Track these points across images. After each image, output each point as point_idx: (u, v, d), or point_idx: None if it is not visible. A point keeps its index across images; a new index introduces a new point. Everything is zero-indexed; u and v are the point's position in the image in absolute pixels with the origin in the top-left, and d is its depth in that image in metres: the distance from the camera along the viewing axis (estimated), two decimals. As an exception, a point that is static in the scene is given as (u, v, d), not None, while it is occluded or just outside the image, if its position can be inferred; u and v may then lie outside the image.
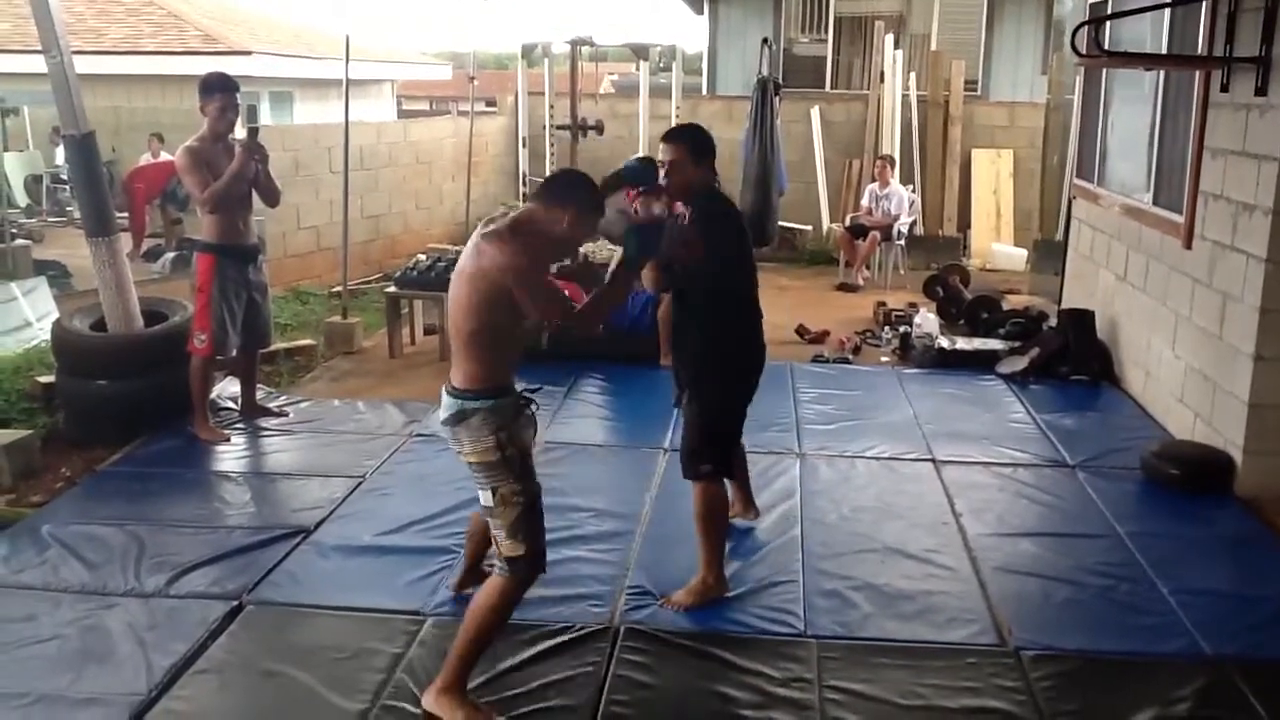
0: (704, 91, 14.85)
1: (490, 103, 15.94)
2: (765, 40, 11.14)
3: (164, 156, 11.53)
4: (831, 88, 14.22)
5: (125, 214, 11.47)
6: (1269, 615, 3.93)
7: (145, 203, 11.31)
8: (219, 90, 5.47)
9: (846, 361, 7.50)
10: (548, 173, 10.37)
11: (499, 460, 3.16)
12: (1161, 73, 6.26)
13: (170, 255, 10.30)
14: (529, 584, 3.29)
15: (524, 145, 10.97)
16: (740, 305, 4.00)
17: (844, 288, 10.11)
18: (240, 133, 5.72)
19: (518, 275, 3.10)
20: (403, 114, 19.95)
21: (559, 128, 10.46)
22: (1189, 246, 5.70)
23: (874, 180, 10.88)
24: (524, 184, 10.88)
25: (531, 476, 3.26)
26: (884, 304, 8.73)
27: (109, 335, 5.85)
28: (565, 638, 3.67)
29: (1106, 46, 6.04)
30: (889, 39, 12.49)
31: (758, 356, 4.08)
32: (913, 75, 12.57)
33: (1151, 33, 6.51)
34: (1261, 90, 4.92)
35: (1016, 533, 4.64)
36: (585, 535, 4.50)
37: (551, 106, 10.43)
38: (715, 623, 3.81)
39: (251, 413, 6.01)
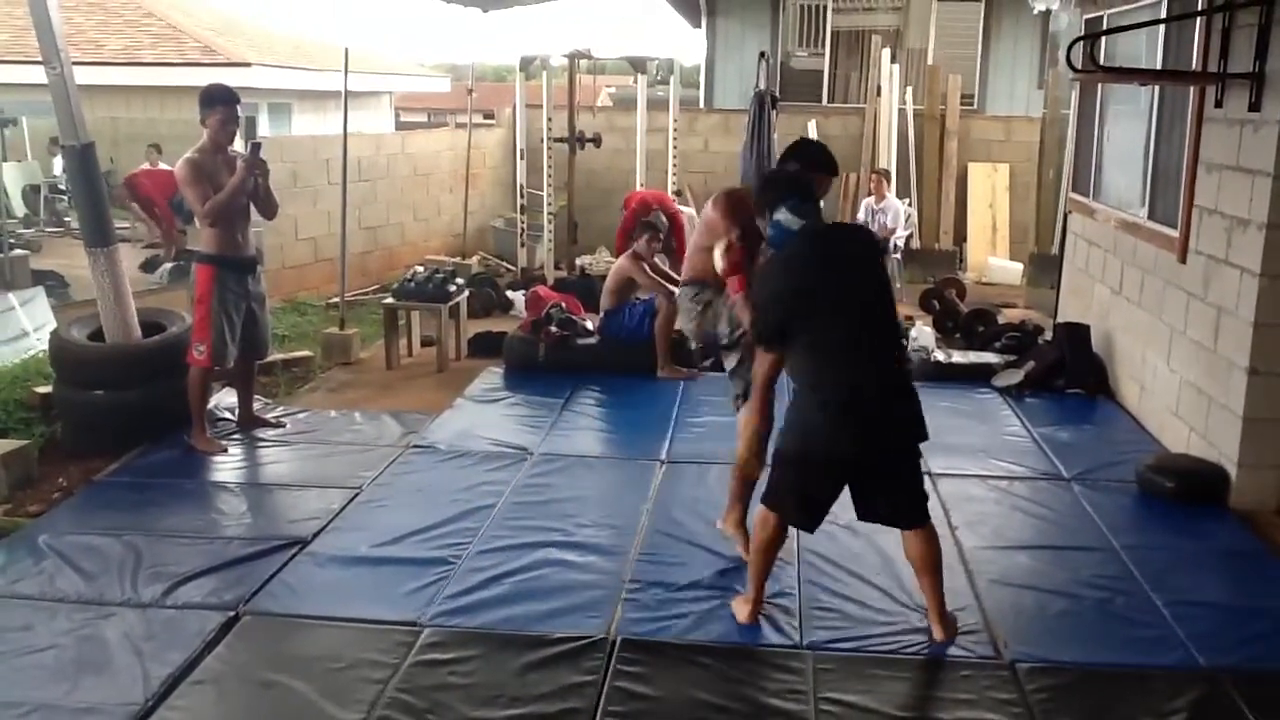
0: (701, 104, 14.91)
1: (488, 115, 16.01)
2: (762, 54, 11.18)
3: (162, 167, 11.55)
4: (828, 101, 14.29)
5: (126, 225, 11.51)
6: (1263, 628, 3.93)
7: (166, 201, 11.27)
8: (220, 102, 5.49)
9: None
10: (545, 185, 10.41)
11: None
12: (1156, 88, 6.30)
13: (168, 266, 10.31)
14: None
15: (521, 157, 10.98)
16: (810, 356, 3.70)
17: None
18: (240, 145, 5.74)
19: None
20: (401, 126, 20.00)
21: (557, 140, 10.48)
22: (1184, 261, 5.73)
23: (870, 194, 10.89)
24: (521, 196, 10.90)
25: None
26: (880, 317, 8.72)
27: (107, 346, 5.85)
28: (562, 649, 3.67)
29: (1102, 62, 6.08)
30: (886, 53, 12.54)
31: (840, 436, 3.61)
32: (909, 89, 12.63)
33: (1146, 48, 6.55)
34: (1255, 106, 4.95)
35: (1012, 545, 4.66)
36: (582, 546, 4.50)
37: (549, 119, 10.45)
38: (711, 634, 3.81)
39: (249, 423, 6.01)
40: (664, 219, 8.79)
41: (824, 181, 4.23)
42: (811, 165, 4.17)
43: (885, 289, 3.77)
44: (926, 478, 5.32)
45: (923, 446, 5.70)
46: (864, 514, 3.80)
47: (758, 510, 3.89)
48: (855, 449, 3.63)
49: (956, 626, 3.80)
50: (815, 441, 3.63)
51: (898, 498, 3.75)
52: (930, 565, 3.79)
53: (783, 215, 3.72)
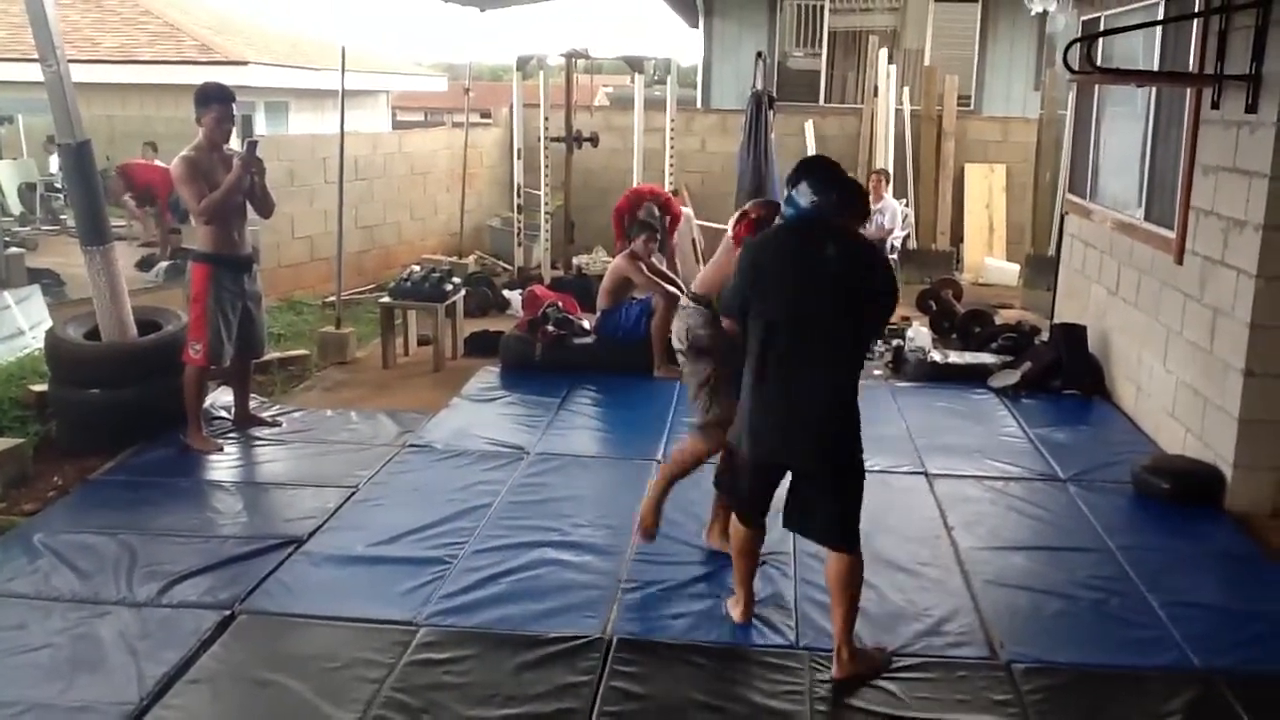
0: (699, 104, 14.90)
1: (485, 114, 15.98)
2: (760, 54, 11.17)
3: (158, 164, 11.53)
4: (825, 102, 14.29)
5: (122, 223, 11.49)
6: (1259, 629, 3.94)
7: (164, 195, 11.23)
8: (216, 100, 5.49)
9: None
10: (542, 185, 10.41)
11: None
12: (1153, 89, 6.30)
13: (164, 264, 10.29)
14: None
15: (519, 157, 10.97)
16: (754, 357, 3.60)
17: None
18: (237, 144, 5.73)
19: None
20: (398, 125, 19.98)
21: (554, 140, 10.48)
22: (1180, 262, 5.73)
23: (868, 194, 10.89)
24: (518, 195, 10.90)
25: None
26: (877, 317, 8.73)
27: (102, 344, 5.84)
28: (558, 648, 3.67)
29: (1099, 63, 6.09)
30: (883, 54, 12.55)
31: (762, 439, 3.60)
32: (906, 90, 12.63)
33: (1144, 50, 6.56)
34: (1252, 107, 4.96)
35: (1008, 546, 4.66)
36: (578, 545, 4.50)
37: (546, 118, 10.45)
38: (707, 634, 3.81)
39: (245, 422, 6.01)
40: (655, 211, 8.82)
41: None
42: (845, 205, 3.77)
43: (854, 308, 3.49)
44: (923, 478, 5.38)
45: (920, 446, 5.81)
46: (785, 521, 3.74)
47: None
48: (771, 457, 3.62)
49: (856, 666, 3.55)
50: (746, 436, 3.63)
51: (813, 515, 3.62)
52: (840, 592, 3.57)
53: (799, 190, 3.60)
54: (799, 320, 3.47)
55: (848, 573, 3.56)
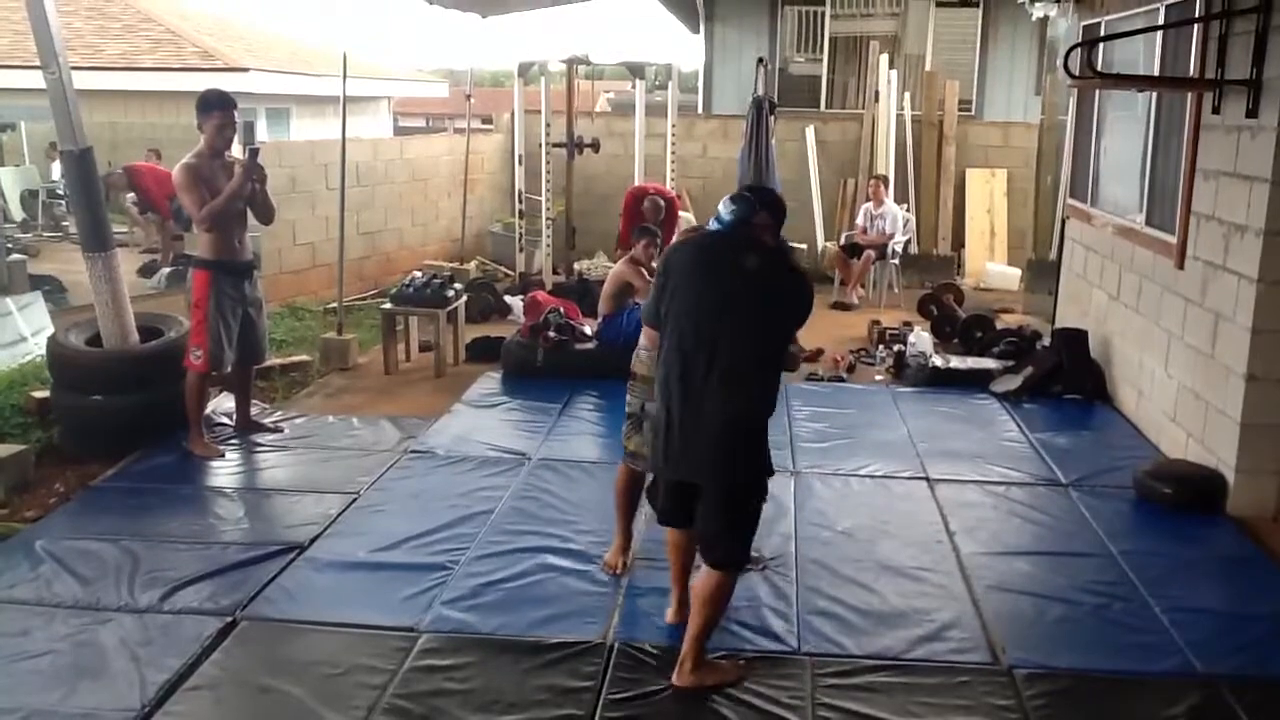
0: (700, 110, 14.91)
1: (487, 120, 15.99)
2: (761, 60, 11.19)
3: (161, 169, 11.54)
4: (826, 107, 14.29)
5: (124, 229, 11.49)
6: (1260, 634, 3.94)
7: (165, 199, 11.24)
8: (217, 107, 5.50)
9: (841, 380, 7.52)
10: (543, 190, 10.42)
11: None
12: (1154, 94, 6.30)
13: (166, 271, 10.29)
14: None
15: (520, 163, 10.98)
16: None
17: (839, 306, 10.13)
18: (239, 150, 5.74)
19: None
20: (399, 131, 20.00)
21: (555, 145, 10.49)
22: (1181, 267, 5.73)
23: (869, 199, 10.92)
24: (520, 201, 10.90)
25: None
26: (878, 322, 8.76)
27: (104, 350, 5.85)
28: (560, 654, 3.67)
29: (1099, 68, 6.09)
30: (884, 59, 12.55)
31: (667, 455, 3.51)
32: (907, 95, 12.63)
33: (1144, 55, 6.56)
34: (1252, 112, 4.96)
35: (1010, 551, 4.65)
36: (579, 552, 4.50)
37: (548, 124, 10.46)
38: (709, 640, 3.80)
39: (246, 428, 6.01)
40: (661, 203, 8.87)
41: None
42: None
43: (768, 322, 3.42)
44: (925, 483, 5.38)
45: (921, 451, 5.81)
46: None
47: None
48: (674, 474, 3.56)
49: (700, 677, 3.49)
50: (654, 453, 3.61)
51: (703, 525, 3.54)
52: (701, 605, 3.51)
53: (722, 206, 3.59)
54: (703, 329, 3.39)
55: (714, 590, 3.48)
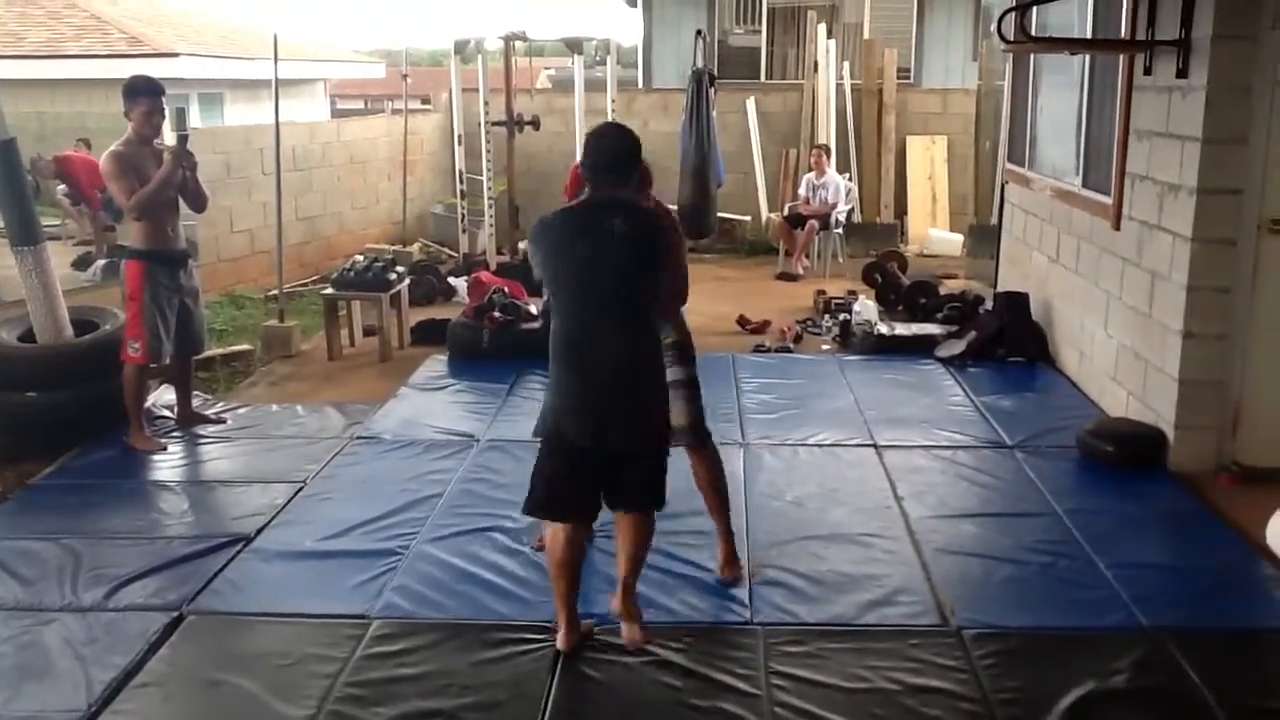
0: (640, 84, 14.85)
1: (425, 100, 15.83)
2: (699, 32, 11.12)
3: (91, 158, 11.30)
4: (767, 78, 14.29)
5: (55, 222, 11.25)
6: (1203, 587, 4.02)
7: (91, 189, 11.02)
8: (144, 94, 5.37)
9: (788, 350, 7.55)
10: (484, 170, 10.33)
11: None
12: (1087, 57, 6.36)
13: (101, 263, 10.08)
14: None
15: (460, 143, 10.87)
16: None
17: (784, 277, 10.16)
18: (170, 138, 5.62)
19: None
20: (337, 113, 19.74)
21: (494, 124, 10.40)
22: (1118, 227, 5.81)
23: (811, 169, 10.95)
24: (461, 181, 10.80)
25: None
26: (824, 292, 8.80)
27: (38, 346, 5.73)
28: (513, 635, 3.66)
29: (1033, 33, 6.14)
30: (822, 29, 12.57)
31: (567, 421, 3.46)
32: (846, 64, 12.67)
33: (1077, 18, 6.62)
34: (1182, 72, 5.02)
35: (957, 514, 4.71)
36: (531, 531, 4.47)
37: (486, 103, 10.36)
38: (662, 614, 3.81)
39: (188, 420, 5.91)
40: None
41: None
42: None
43: (638, 273, 3.42)
44: (873, 450, 5.42)
45: (869, 418, 5.85)
46: (609, 503, 3.57)
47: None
48: (578, 439, 3.43)
49: (638, 634, 3.56)
50: (551, 420, 3.49)
51: (621, 487, 3.51)
52: (637, 547, 3.58)
53: (585, 166, 3.61)
54: (585, 293, 3.39)
55: (644, 527, 3.58)
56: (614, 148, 3.56)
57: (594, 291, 3.39)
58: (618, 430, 3.44)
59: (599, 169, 3.52)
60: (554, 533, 3.54)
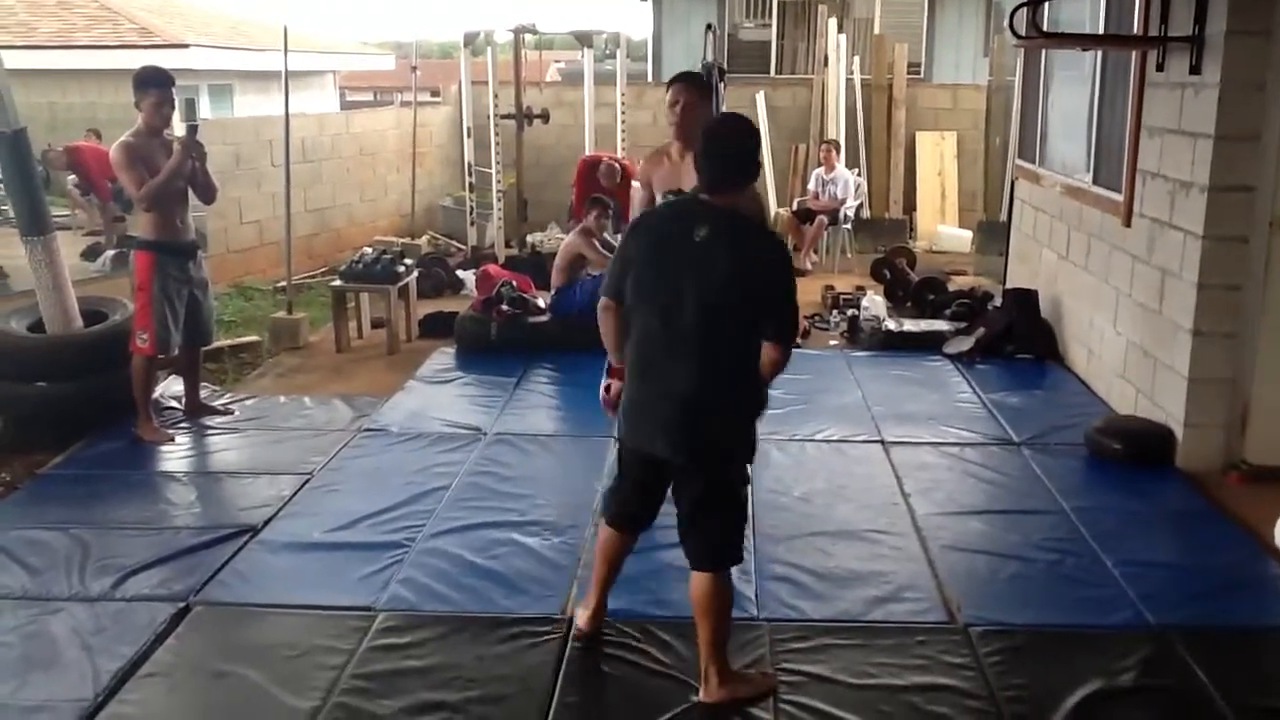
0: (649, 78, 14.84)
1: (435, 93, 15.83)
2: (709, 26, 11.11)
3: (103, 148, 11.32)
4: (776, 73, 14.29)
5: (65, 212, 11.29)
6: (1210, 585, 4.00)
7: (101, 180, 11.05)
8: (153, 85, 5.37)
9: (796, 346, 7.52)
10: (493, 163, 10.33)
11: None
12: (1099, 53, 6.34)
13: (110, 253, 10.12)
14: None
15: (469, 135, 10.87)
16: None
17: (792, 272, 10.14)
18: (179, 128, 5.63)
19: None
20: (346, 105, 19.75)
21: (504, 117, 10.40)
22: (1128, 224, 5.78)
23: (820, 165, 10.93)
24: (469, 174, 10.80)
25: None
26: (832, 287, 8.78)
27: (47, 336, 5.74)
28: (519, 629, 3.66)
29: (1044, 28, 6.11)
30: (832, 23, 12.54)
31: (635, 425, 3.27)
32: (856, 59, 12.64)
33: (1089, 14, 6.59)
34: (1195, 69, 4.99)
35: (964, 511, 4.70)
36: (538, 525, 4.49)
37: (496, 95, 10.36)
38: (668, 608, 3.80)
39: (196, 411, 5.92)
40: (617, 168, 8.87)
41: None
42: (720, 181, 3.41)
43: (731, 298, 3.11)
44: (880, 446, 5.41)
45: (876, 414, 5.84)
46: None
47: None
48: (641, 444, 3.27)
49: (728, 690, 3.24)
50: (622, 423, 3.33)
51: (687, 530, 3.27)
52: (700, 615, 3.25)
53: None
54: (666, 308, 3.15)
55: (709, 595, 3.21)
56: (725, 147, 3.22)
57: (674, 310, 3.13)
58: (661, 436, 3.20)
59: (705, 175, 3.22)
60: (606, 529, 3.54)
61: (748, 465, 3.35)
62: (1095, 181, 6.36)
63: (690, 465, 3.22)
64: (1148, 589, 3.94)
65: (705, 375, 3.14)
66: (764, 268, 3.15)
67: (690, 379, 3.13)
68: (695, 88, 4.58)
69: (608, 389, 3.93)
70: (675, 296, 3.12)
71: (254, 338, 7.58)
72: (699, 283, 3.09)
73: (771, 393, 6.20)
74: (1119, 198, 5.88)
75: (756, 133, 3.32)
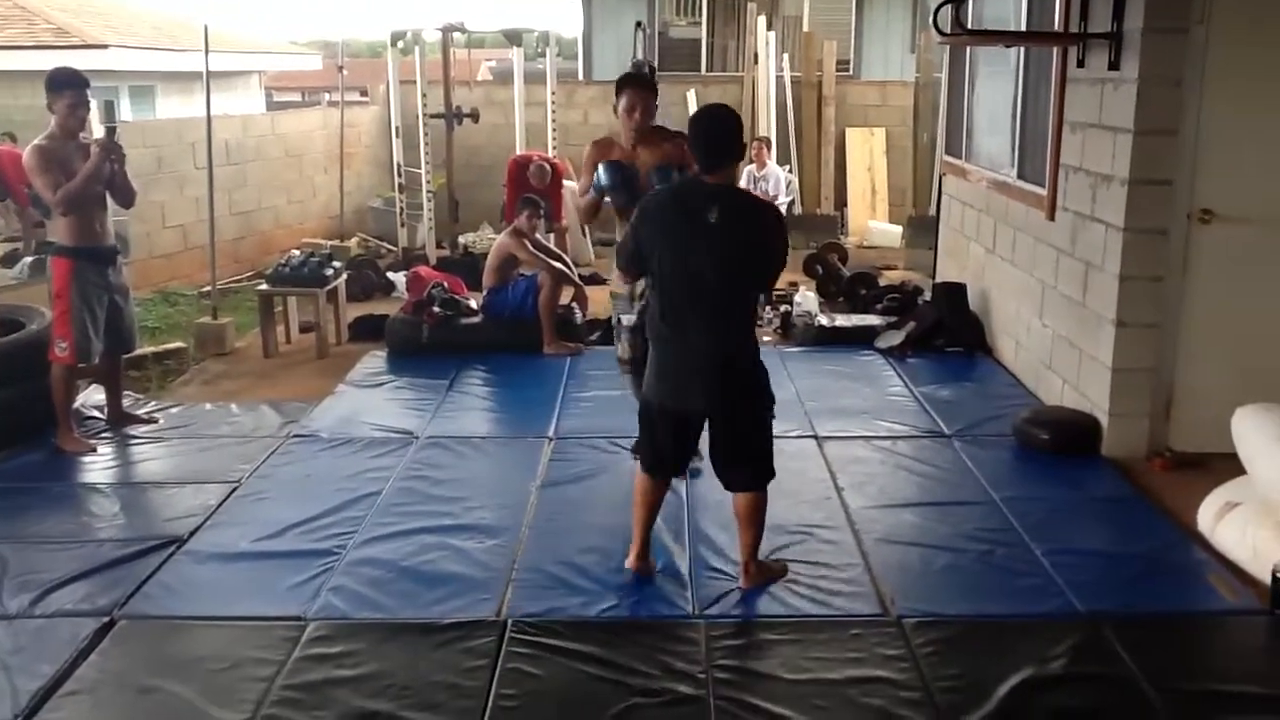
0: (580, 76, 14.81)
1: (363, 92, 15.64)
2: (639, 24, 11.16)
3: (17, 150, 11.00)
4: (707, 70, 14.32)
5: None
6: (1137, 572, 4.07)
7: (17, 184, 10.74)
8: (66, 86, 5.23)
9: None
10: (423, 163, 10.23)
11: None
12: (1022, 50, 6.43)
13: (28, 260, 9.82)
14: None
15: (397, 135, 10.75)
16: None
17: (726, 269, 10.17)
18: (98, 130, 5.49)
19: None
20: (274, 106, 19.45)
21: (433, 116, 10.30)
22: (1052, 218, 5.87)
23: (751, 161, 10.98)
24: (399, 175, 10.69)
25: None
26: (765, 284, 8.80)
27: (-39, 346, 5.57)
28: (453, 634, 3.61)
29: (969, 25, 6.18)
30: (761, 21, 12.60)
31: (665, 388, 3.86)
32: (786, 57, 12.72)
33: (1013, 11, 6.68)
34: (1114, 65, 5.08)
35: (897, 504, 4.73)
36: (471, 528, 4.44)
37: (424, 95, 10.25)
38: (604, 610, 3.79)
39: (119, 421, 5.78)
40: (546, 167, 8.84)
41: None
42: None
43: (738, 266, 3.68)
44: (814, 441, 5.44)
45: (810, 410, 5.86)
46: (715, 469, 3.99)
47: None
48: (674, 402, 3.83)
49: (761, 577, 3.95)
50: (652, 386, 3.88)
51: (729, 465, 3.90)
52: (747, 524, 3.93)
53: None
54: (679, 272, 3.67)
55: (754, 508, 3.90)
56: (713, 131, 3.75)
57: (697, 283, 3.67)
58: (698, 391, 3.77)
59: (702, 158, 3.76)
60: (643, 476, 4.02)
61: (770, 394, 3.88)
62: (1020, 176, 6.45)
63: (727, 412, 3.81)
64: (1076, 577, 4.00)
65: (728, 335, 3.74)
66: (771, 237, 3.76)
67: (717, 341, 3.71)
68: (647, 90, 4.86)
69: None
70: (696, 271, 3.64)
71: (179, 344, 7.42)
72: (717, 258, 3.63)
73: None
74: (1043, 192, 5.97)
75: (738, 117, 3.83)
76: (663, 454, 3.96)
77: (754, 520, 3.91)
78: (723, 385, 3.75)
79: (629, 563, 4.05)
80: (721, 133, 3.73)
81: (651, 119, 4.82)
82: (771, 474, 3.91)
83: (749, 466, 3.87)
